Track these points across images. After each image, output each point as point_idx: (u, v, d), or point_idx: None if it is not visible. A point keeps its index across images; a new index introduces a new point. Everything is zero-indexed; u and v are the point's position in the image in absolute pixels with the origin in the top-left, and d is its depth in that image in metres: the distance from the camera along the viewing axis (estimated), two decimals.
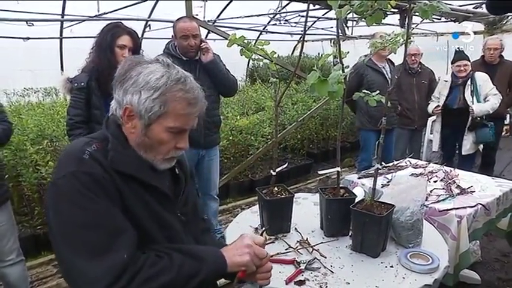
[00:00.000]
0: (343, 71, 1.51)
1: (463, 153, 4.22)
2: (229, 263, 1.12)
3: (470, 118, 4.09)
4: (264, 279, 1.22)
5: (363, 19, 1.51)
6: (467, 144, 4.18)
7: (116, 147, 1.09)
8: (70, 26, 6.74)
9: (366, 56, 1.91)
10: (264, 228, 1.38)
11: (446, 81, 4.28)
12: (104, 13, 6.20)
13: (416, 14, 1.52)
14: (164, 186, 1.17)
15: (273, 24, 8.69)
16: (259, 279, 1.21)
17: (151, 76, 1.06)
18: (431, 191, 2.47)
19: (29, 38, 6.17)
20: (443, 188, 2.55)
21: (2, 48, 6.19)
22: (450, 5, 4.67)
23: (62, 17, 6.37)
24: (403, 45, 1.64)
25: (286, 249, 1.73)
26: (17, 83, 7.14)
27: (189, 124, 1.13)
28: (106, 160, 1.05)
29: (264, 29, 9.07)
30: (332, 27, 9.30)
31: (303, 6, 6.39)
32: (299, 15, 7.74)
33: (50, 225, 1.02)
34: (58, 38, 7.17)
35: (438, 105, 4.27)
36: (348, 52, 1.68)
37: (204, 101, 1.14)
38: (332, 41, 11.12)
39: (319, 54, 11.57)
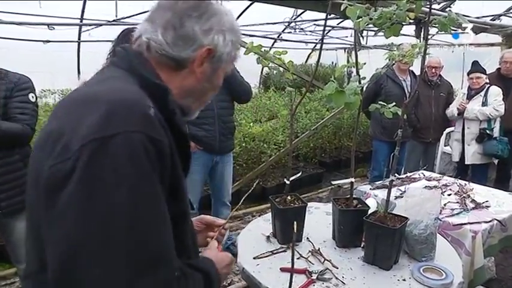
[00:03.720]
0: (359, 82, 1.51)
1: (465, 163, 4.27)
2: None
3: (478, 130, 4.13)
4: None
5: (381, 31, 1.52)
6: (469, 154, 4.21)
7: (174, 101, 0.87)
8: (88, 29, 6.87)
9: (384, 67, 1.91)
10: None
11: (464, 93, 4.31)
12: (122, 18, 6.30)
13: (435, 26, 1.52)
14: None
15: (288, 32, 8.73)
16: None
17: (229, 17, 0.95)
18: (445, 205, 2.44)
19: (49, 41, 6.30)
20: (458, 202, 2.52)
21: (23, 50, 6.33)
22: (468, 16, 4.66)
23: (81, 22, 6.50)
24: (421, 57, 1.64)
25: (297, 259, 1.72)
26: (36, 85, 7.28)
27: None
28: (162, 120, 0.80)
29: (278, 36, 9.11)
30: (347, 37, 9.31)
31: (318, 15, 6.42)
32: (314, 24, 7.76)
33: (69, 207, 0.68)
34: (76, 41, 7.31)
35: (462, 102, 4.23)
36: (365, 63, 1.69)
37: None
38: (346, 50, 11.12)
39: (333, 63, 11.58)
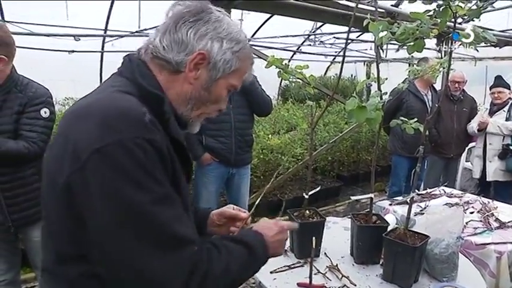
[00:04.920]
0: (381, 98, 1.50)
1: (487, 180, 4.16)
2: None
3: (501, 146, 4.03)
4: None
5: (404, 46, 1.51)
6: (491, 171, 4.11)
7: (169, 108, 0.91)
8: (111, 40, 7.04)
9: (404, 81, 1.89)
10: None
11: (487, 108, 4.24)
12: (145, 29, 6.44)
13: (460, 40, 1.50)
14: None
15: (307, 45, 8.74)
16: None
17: (232, 27, 0.94)
18: (467, 223, 2.38)
19: (73, 51, 6.48)
20: (481, 221, 2.45)
21: (49, 60, 6.54)
22: (492, 30, 4.58)
23: (105, 33, 6.68)
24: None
25: (315, 274, 1.70)
26: (59, 92, 7.45)
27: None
28: (158, 125, 0.85)
29: (297, 49, 9.14)
30: (366, 50, 9.27)
31: (338, 28, 6.42)
32: (334, 37, 7.76)
33: (91, 213, 0.78)
34: (99, 51, 7.50)
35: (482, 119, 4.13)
36: (387, 78, 1.67)
37: None
38: (365, 63, 11.06)
39: (352, 75, 11.52)
